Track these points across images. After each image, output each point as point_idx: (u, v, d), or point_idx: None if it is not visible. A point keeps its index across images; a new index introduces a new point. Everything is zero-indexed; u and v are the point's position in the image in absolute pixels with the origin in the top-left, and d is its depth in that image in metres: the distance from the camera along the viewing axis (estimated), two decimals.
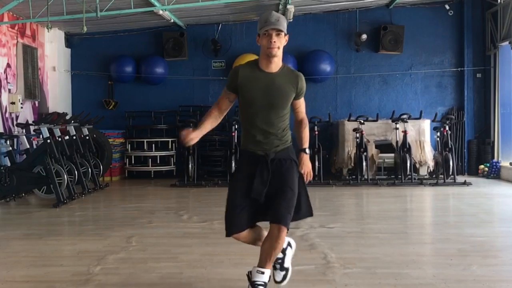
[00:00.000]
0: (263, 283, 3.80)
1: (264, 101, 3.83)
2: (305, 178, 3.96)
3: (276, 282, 4.06)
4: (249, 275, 3.88)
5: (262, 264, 3.83)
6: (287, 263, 4.11)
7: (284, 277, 4.07)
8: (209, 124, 4.04)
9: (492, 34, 11.75)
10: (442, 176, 10.65)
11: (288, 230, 3.76)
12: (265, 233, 3.92)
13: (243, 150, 4.02)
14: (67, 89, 12.64)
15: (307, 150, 4.01)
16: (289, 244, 4.16)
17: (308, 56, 12.18)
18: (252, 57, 12.05)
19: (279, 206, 3.75)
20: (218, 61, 12.47)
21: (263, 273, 3.81)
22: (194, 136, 3.90)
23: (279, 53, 3.81)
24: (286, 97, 3.86)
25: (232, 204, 3.85)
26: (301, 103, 4.01)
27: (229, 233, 3.85)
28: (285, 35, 3.83)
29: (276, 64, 3.85)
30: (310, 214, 4.05)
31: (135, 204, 8.83)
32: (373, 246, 5.58)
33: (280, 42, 3.80)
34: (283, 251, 4.08)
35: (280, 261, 4.07)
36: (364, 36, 12.16)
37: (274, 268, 4.04)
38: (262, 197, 3.79)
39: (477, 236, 6.05)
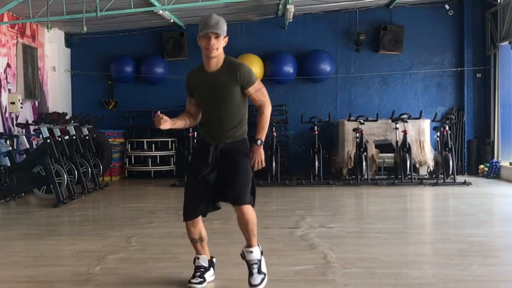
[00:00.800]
0: (256, 260, 4.16)
1: (212, 99, 4.14)
2: (255, 167, 4.20)
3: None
4: (243, 255, 4.24)
5: (248, 243, 4.20)
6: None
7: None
8: (180, 121, 4.31)
9: (492, 34, 11.75)
10: (442, 176, 10.64)
11: (252, 205, 4.18)
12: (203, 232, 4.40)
13: (199, 139, 4.44)
14: (67, 89, 12.64)
15: (259, 141, 4.20)
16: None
17: (308, 56, 12.18)
18: (252, 57, 12.12)
19: (232, 188, 4.11)
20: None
21: (252, 252, 4.17)
22: (167, 120, 4.10)
23: (217, 53, 4.05)
24: (230, 92, 4.12)
25: (190, 190, 4.28)
26: (254, 91, 4.19)
27: (186, 219, 4.32)
28: (224, 37, 4.07)
29: (216, 63, 4.10)
30: (245, 199, 4.18)
31: (135, 204, 8.84)
32: (373, 246, 5.58)
33: (218, 44, 4.03)
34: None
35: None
36: (362, 37, 12.17)
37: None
38: (207, 178, 4.14)
39: (477, 236, 6.05)
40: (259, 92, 4.24)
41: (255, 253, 4.18)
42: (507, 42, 10.98)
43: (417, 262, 4.93)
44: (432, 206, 8.89)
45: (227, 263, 4.81)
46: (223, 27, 4.04)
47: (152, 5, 9.77)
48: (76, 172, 9.11)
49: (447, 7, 12.22)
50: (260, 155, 4.22)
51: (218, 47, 4.03)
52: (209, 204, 4.32)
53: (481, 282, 4.29)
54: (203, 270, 4.35)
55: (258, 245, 4.24)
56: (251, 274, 4.15)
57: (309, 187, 10.40)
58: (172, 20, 11.48)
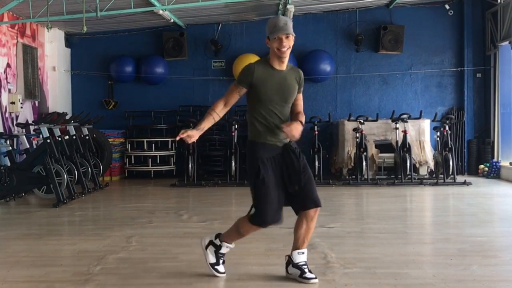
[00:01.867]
0: (305, 262, 4.36)
1: (279, 96, 4.29)
2: (287, 132, 4.24)
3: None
4: (290, 258, 4.38)
5: (301, 246, 4.36)
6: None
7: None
8: (208, 123, 4.44)
9: (492, 34, 11.75)
10: (442, 176, 10.65)
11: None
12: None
13: (261, 143, 4.28)
14: (67, 89, 12.64)
15: (302, 122, 4.44)
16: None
17: (308, 56, 12.18)
18: (252, 57, 12.07)
19: (310, 191, 4.28)
20: (218, 61, 12.47)
21: (303, 253, 4.37)
22: (193, 135, 4.27)
23: (288, 53, 4.24)
24: (294, 93, 4.42)
25: (266, 195, 4.16)
26: (301, 97, 4.55)
27: (265, 224, 4.27)
28: (292, 35, 4.21)
29: (286, 63, 4.32)
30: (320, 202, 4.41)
31: (135, 204, 8.84)
32: (373, 246, 5.58)
33: (289, 44, 4.21)
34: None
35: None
36: (360, 37, 12.19)
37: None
38: (300, 184, 4.24)
39: (477, 236, 6.05)
40: (301, 99, 4.60)
41: (305, 255, 4.41)
42: (507, 42, 10.99)
43: (417, 262, 4.93)
44: (432, 206, 8.90)
45: (227, 263, 4.79)
46: (291, 27, 4.21)
47: (152, 5, 9.77)
48: (76, 172, 9.11)
49: (447, 7, 12.22)
50: (298, 129, 4.36)
51: (290, 46, 4.22)
52: (283, 204, 4.34)
53: (481, 282, 4.29)
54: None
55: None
56: (303, 273, 4.34)
57: None
58: (172, 20, 11.48)
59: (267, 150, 4.27)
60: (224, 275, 4.52)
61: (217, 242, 4.52)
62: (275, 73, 4.28)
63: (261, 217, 4.21)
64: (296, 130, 4.29)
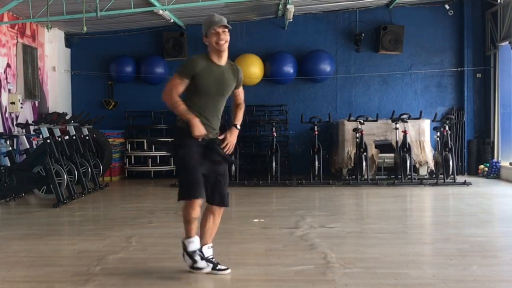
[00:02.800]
0: (212, 256, 4.59)
1: (216, 90, 4.44)
2: (225, 148, 4.45)
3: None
4: (185, 245, 4.55)
5: (209, 240, 4.62)
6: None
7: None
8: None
9: (492, 34, 11.75)
10: (442, 176, 10.64)
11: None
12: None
13: (186, 127, 4.37)
14: (67, 89, 12.64)
15: (238, 126, 4.59)
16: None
17: (308, 56, 12.18)
18: (252, 57, 12.12)
19: (222, 188, 4.53)
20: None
21: (211, 247, 4.61)
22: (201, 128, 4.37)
23: (226, 47, 4.45)
24: (231, 88, 4.55)
25: (194, 169, 4.36)
26: (240, 91, 4.70)
27: (194, 196, 4.42)
28: (229, 30, 4.46)
29: (225, 58, 4.50)
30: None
31: (135, 204, 8.83)
32: (373, 246, 5.58)
33: (226, 38, 4.43)
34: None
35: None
36: (358, 37, 12.20)
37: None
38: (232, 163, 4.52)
39: (477, 236, 6.05)
40: (242, 92, 4.75)
41: (212, 250, 4.65)
42: (507, 42, 10.99)
43: (417, 262, 4.93)
44: (432, 206, 8.90)
45: (227, 263, 4.79)
46: (226, 23, 4.45)
47: (152, 5, 9.77)
48: (76, 172, 9.11)
49: (447, 7, 12.22)
50: (234, 139, 4.54)
51: (227, 40, 4.42)
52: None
53: (481, 282, 4.29)
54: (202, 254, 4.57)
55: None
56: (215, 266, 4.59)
57: (309, 187, 10.40)
58: (172, 20, 11.48)
59: (195, 139, 4.38)
60: (207, 269, 4.55)
61: (182, 246, 4.60)
62: (215, 67, 4.43)
63: (188, 191, 4.45)
64: (233, 138, 4.53)
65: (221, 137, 4.50)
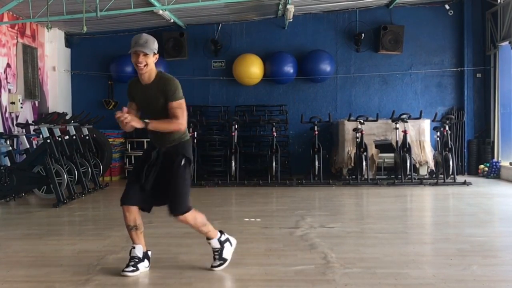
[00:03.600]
0: (216, 249, 4.73)
1: (145, 107, 4.59)
2: (120, 121, 4.33)
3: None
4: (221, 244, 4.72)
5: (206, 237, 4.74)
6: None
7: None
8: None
9: (492, 34, 11.75)
10: (442, 176, 10.65)
11: (186, 212, 4.51)
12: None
13: (150, 142, 4.77)
14: (67, 89, 12.65)
15: (147, 121, 4.41)
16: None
17: (308, 56, 12.18)
18: (252, 57, 12.12)
19: (170, 198, 4.50)
20: (218, 61, 12.48)
21: (210, 243, 4.74)
22: (133, 119, 4.41)
23: (147, 69, 4.51)
24: (158, 102, 4.49)
25: (130, 180, 4.63)
26: (173, 107, 4.47)
27: (122, 203, 4.54)
28: (154, 54, 4.60)
29: (148, 77, 4.55)
30: (180, 210, 4.56)
31: None
32: (373, 246, 5.58)
33: (147, 61, 4.52)
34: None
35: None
36: (357, 37, 12.20)
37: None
38: (147, 184, 4.49)
39: (477, 236, 6.05)
40: (178, 109, 4.49)
41: (213, 243, 4.70)
42: (507, 42, 10.99)
43: (417, 262, 4.93)
44: (432, 206, 8.90)
45: (227, 263, 4.79)
46: (152, 46, 4.57)
47: (152, 5, 9.77)
48: (76, 172, 9.11)
49: (447, 7, 12.22)
50: (133, 121, 4.35)
51: (147, 63, 4.51)
52: (150, 201, 4.60)
53: (481, 282, 4.29)
54: (137, 260, 4.62)
55: (217, 237, 4.71)
56: (214, 258, 4.72)
57: (309, 187, 10.40)
58: (172, 20, 11.48)
59: (149, 149, 4.68)
60: (138, 272, 4.59)
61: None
62: (142, 87, 4.57)
63: (122, 197, 4.56)
64: (130, 119, 4.34)
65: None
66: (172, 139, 4.54)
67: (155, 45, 4.62)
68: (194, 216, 4.59)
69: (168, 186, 4.51)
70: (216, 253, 4.70)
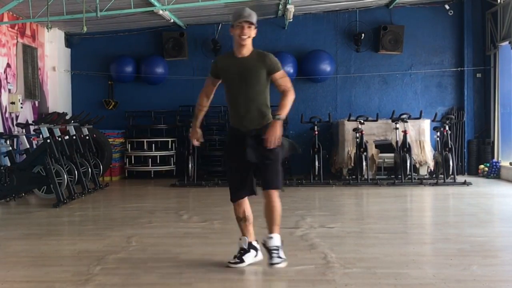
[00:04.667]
0: (275, 247, 4.53)
1: (240, 80, 4.58)
2: (267, 144, 4.42)
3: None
4: (264, 244, 4.60)
5: (269, 230, 4.60)
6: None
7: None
8: (201, 116, 4.95)
9: (492, 34, 11.75)
10: (442, 176, 10.64)
11: (279, 189, 4.59)
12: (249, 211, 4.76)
13: (231, 128, 4.79)
14: (67, 89, 12.64)
15: (277, 117, 4.47)
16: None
17: (308, 56, 12.18)
18: None
19: (265, 174, 4.55)
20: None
21: (272, 238, 4.55)
22: (198, 134, 4.85)
23: (249, 41, 4.63)
24: (258, 74, 4.58)
25: (233, 173, 4.68)
26: (279, 77, 4.67)
27: (233, 200, 4.70)
28: (255, 27, 4.67)
29: (247, 49, 4.65)
30: (276, 184, 4.61)
31: (135, 204, 8.83)
32: (373, 246, 5.58)
33: (250, 33, 4.64)
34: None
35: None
36: (357, 37, 12.20)
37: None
38: (254, 159, 4.52)
39: (477, 236, 6.05)
40: (284, 78, 4.69)
41: (275, 240, 4.56)
42: (507, 42, 10.98)
43: (417, 262, 4.93)
44: (432, 206, 8.90)
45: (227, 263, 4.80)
46: (254, 19, 4.67)
47: (152, 5, 9.77)
48: (76, 172, 9.11)
49: (447, 7, 12.22)
50: (276, 131, 4.44)
51: (250, 35, 4.63)
52: (253, 184, 4.73)
53: (481, 282, 4.29)
54: (242, 251, 4.71)
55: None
56: (270, 257, 4.55)
57: (309, 187, 10.40)
58: (172, 20, 11.48)
59: (233, 134, 4.68)
60: (243, 264, 4.70)
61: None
62: (237, 61, 4.63)
63: (230, 195, 4.74)
64: (273, 131, 4.43)
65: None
66: (262, 121, 4.58)
67: (256, 18, 4.71)
68: (279, 200, 4.61)
69: (264, 164, 4.54)
70: (275, 252, 4.54)
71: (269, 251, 4.54)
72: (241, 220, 4.74)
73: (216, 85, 4.83)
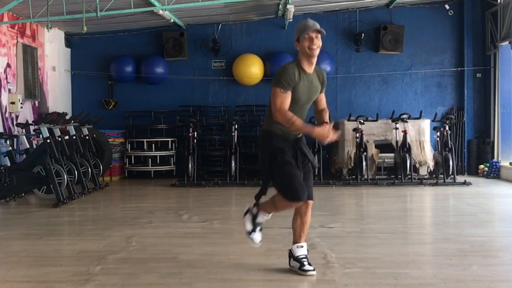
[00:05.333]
0: (305, 255, 4.53)
1: (306, 98, 4.45)
2: (319, 138, 4.38)
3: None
4: (291, 253, 4.58)
5: (298, 239, 4.55)
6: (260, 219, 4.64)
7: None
8: (300, 120, 4.43)
9: (492, 34, 11.75)
10: (442, 176, 10.65)
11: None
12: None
13: (278, 135, 4.42)
14: (67, 89, 12.64)
15: (327, 121, 4.58)
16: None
17: None
18: (252, 57, 12.11)
19: (308, 185, 4.42)
20: (218, 61, 12.47)
21: (302, 247, 4.55)
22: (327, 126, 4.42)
23: (317, 53, 4.34)
24: (318, 94, 4.58)
25: (294, 173, 4.35)
26: (323, 96, 4.72)
27: (303, 198, 4.32)
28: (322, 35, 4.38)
29: (314, 64, 4.44)
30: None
31: (135, 204, 8.83)
32: (373, 246, 5.58)
33: (319, 43, 4.33)
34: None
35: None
36: (358, 37, 12.21)
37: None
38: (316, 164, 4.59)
39: (477, 236, 6.05)
40: (324, 97, 4.76)
41: (304, 249, 4.58)
42: (507, 42, 10.99)
43: (417, 262, 4.93)
44: (432, 206, 8.89)
45: (227, 263, 4.80)
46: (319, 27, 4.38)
47: (152, 5, 9.77)
48: (76, 172, 9.11)
49: (447, 7, 12.22)
50: (325, 131, 4.34)
51: (320, 45, 4.33)
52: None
53: (481, 282, 4.29)
54: (303, 259, 4.56)
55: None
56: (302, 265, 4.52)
57: None
58: (172, 20, 11.48)
59: (283, 140, 4.42)
60: (258, 244, 4.68)
61: (254, 210, 4.63)
62: (306, 76, 4.40)
63: (295, 193, 4.29)
64: (320, 132, 4.35)
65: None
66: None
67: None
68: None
69: (308, 172, 4.49)
70: (305, 259, 4.54)
71: (299, 260, 4.53)
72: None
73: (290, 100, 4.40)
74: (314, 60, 4.38)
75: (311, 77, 4.44)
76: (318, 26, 4.34)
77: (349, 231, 6.39)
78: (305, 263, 4.50)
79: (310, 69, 4.40)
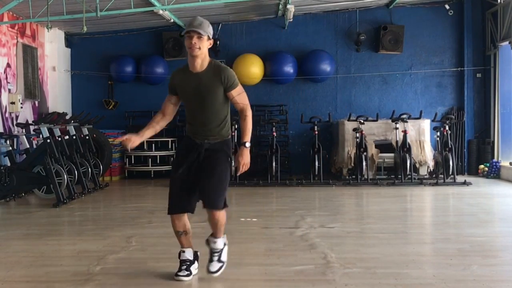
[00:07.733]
0: (218, 250, 4.48)
1: (195, 98, 4.32)
2: (239, 169, 4.34)
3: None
4: (207, 242, 4.54)
5: (214, 235, 4.51)
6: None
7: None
8: (149, 131, 4.77)
9: (492, 34, 11.75)
10: (442, 176, 10.64)
11: (223, 208, 4.34)
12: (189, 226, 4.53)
13: (185, 137, 4.58)
14: (67, 89, 12.65)
15: (247, 144, 4.34)
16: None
17: (308, 56, 12.18)
18: (252, 57, 12.12)
19: (208, 192, 4.26)
20: (218, 61, 12.45)
21: (215, 242, 4.49)
22: (135, 140, 4.68)
23: (200, 53, 4.21)
24: (214, 91, 4.28)
25: (174, 184, 4.39)
26: (236, 94, 4.36)
27: (170, 212, 4.41)
28: (208, 38, 4.25)
29: (201, 64, 4.27)
30: (216, 206, 4.33)
31: (135, 204, 8.83)
32: (373, 246, 5.58)
33: (201, 44, 4.21)
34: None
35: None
36: (362, 37, 12.20)
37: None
38: (184, 175, 4.33)
39: (477, 236, 6.05)
40: (241, 95, 4.39)
41: (219, 243, 4.50)
42: (507, 42, 10.99)
43: (417, 262, 4.93)
44: (432, 206, 8.89)
45: (227, 263, 4.79)
46: (206, 29, 4.24)
47: (152, 5, 9.77)
48: (76, 172, 9.11)
49: (447, 7, 12.22)
50: (246, 158, 4.34)
51: (201, 46, 4.20)
52: (193, 201, 4.43)
53: (481, 282, 4.29)
54: (188, 263, 4.51)
55: (223, 238, 4.53)
56: (211, 260, 4.47)
57: (309, 187, 10.40)
58: (172, 20, 11.49)
59: (188, 144, 4.44)
60: (188, 278, 4.48)
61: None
62: (192, 76, 4.29)
63: (168, 206, 4.44)
64: (243, 158, 4.33)
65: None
66: (220, 135, 4.41)
67: (210, 29, 4.29)
68: (224, 214, 4.42)
69: (208, 181, 4.27)
70: (216, 254, 4.48)
71: (211, 253, 4.50)
72: (182, 234, 4.49)
73: (175, 103, 4.61)
74: (197, 59, 4.24)
75: (200, 75, 4.27)
76: (202, 27, 4.20)
77: (349, 231, 6.38)
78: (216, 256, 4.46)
79: (196, 68, 4.27)
